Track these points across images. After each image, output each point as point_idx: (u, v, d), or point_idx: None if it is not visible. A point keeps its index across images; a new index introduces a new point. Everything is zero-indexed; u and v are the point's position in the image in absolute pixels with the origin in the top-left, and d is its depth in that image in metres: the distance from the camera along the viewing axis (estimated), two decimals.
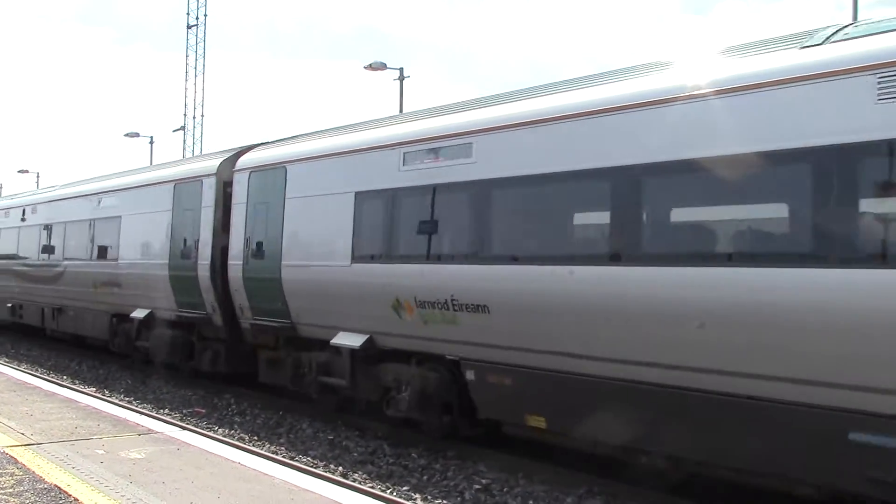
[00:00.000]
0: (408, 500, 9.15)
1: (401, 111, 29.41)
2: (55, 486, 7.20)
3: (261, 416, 13.93)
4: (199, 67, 49.70)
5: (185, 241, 15.88)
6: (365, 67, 32.84)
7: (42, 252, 23.00)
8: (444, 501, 9.31)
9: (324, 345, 12.42)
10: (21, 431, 9.57)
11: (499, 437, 11.06)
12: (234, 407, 14.75)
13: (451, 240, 10.60)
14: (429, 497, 9.45)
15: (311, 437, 12.44)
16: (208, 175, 15.56)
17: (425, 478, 10.22)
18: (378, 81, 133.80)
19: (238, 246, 14.25)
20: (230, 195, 14.82)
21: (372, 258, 11.49)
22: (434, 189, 10.61)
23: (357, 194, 11.71)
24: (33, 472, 7.69)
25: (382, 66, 32.92)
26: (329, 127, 14.15)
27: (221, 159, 15.43)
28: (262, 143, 15.32)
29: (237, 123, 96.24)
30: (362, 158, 11.86)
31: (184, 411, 14.51)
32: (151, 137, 48.96)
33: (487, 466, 10.36)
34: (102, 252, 19.40)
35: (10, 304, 25.80)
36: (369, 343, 11.58)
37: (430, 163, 10.70)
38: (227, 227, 14.74)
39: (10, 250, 25.49)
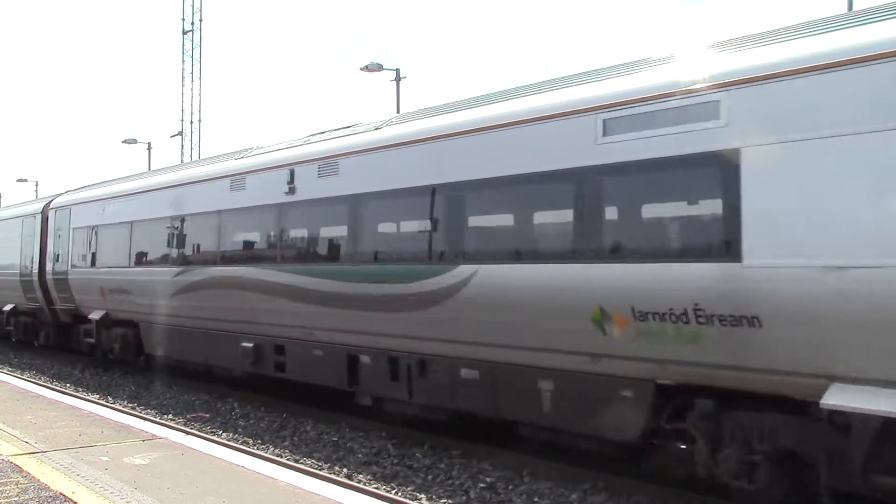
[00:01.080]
0: (413, 500, 9.16)
1: (398, 112, 28.82)
2: (60, 493, 7.20)
3: (264, 420, 13.94)
4: (196, 72, 49.68)
5: None
6: (361, 69, 32.79)
7: (347, 251, 12.23)
8: (450, 500, 9.32)
9: None
10: (25, 440, 9.58)
11: (503, 435, 11.05)
12: (237, 411, 14.77)
13: None
14: (434, 496, 9.45)
15: (315, 439, 12.45)
16: None
17: (430, 477, 10.23)
18: (375, 83, 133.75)
19: None
20: None
21: None
22: None
23: None
24: (38, 480, 7.69)
25: (378, 68, 32.81)
26: None
27: None
28: None
29: (234, 127, 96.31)
30: None
31: (187, 416, 14.54)
32: (149, 143, 48.82)
33: (492, 465, 10.37)
34: (635, 244, 8.53)
35: (249, 344, 14.21)
36: None
37: None
38: None
39: (235, 248, 15.00)
